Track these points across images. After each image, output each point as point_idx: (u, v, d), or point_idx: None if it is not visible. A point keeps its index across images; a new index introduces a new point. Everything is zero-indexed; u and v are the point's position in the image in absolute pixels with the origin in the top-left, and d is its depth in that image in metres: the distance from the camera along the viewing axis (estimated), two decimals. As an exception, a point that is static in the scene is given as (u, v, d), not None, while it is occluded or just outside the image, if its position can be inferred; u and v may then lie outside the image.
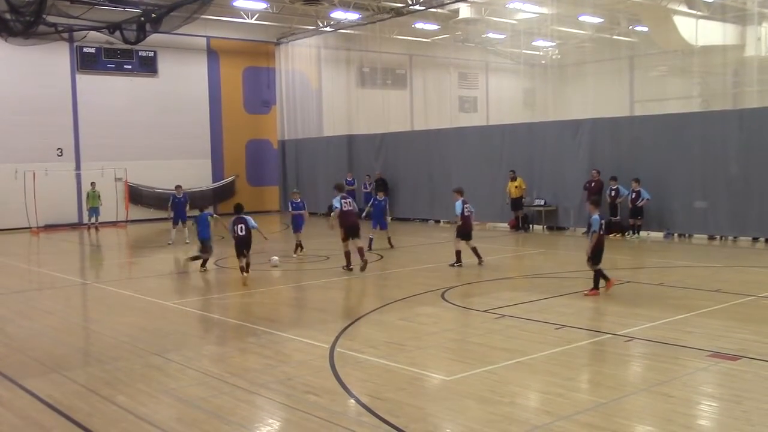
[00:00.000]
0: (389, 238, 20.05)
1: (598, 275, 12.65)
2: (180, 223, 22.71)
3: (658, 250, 19.55)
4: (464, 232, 16.29)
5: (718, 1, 30.52)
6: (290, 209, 19.41)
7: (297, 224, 19.05)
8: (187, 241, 22.51)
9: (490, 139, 25.94)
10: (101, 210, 28.47)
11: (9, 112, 28.39)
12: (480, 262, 16.19)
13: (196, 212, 17.94)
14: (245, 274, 15.06)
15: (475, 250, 16.23)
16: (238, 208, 15.60)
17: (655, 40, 33.65)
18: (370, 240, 19.21)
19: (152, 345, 9.93)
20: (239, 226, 15.12)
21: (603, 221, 12.78)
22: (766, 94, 26.48)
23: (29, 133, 28.72)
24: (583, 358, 8.99)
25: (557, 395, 7.45)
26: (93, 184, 28.54)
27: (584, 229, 22.66)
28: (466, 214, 16.31)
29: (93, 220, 28.29)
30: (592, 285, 12.66)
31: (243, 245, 15.10)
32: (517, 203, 23.94)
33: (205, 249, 16.98)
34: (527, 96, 38.44)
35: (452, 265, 16.16)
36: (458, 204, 16.29)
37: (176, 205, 22.66)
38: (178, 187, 23.37)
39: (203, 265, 16.92)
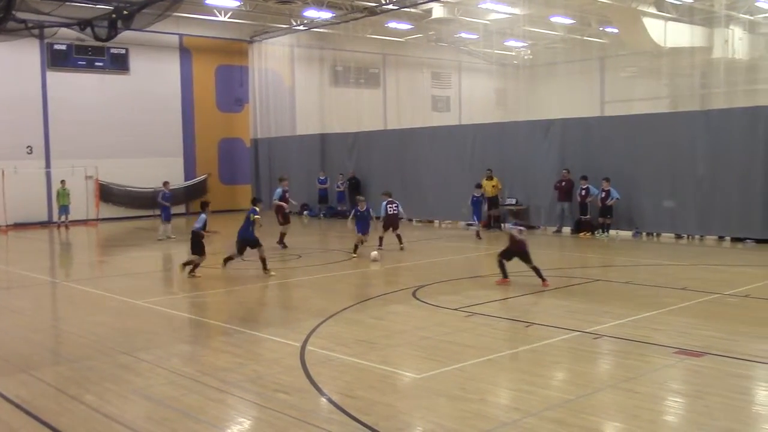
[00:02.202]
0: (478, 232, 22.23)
1: (502, 266, 13.63)
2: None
3: (627, 248, 19.80)
4: (386, 225, 19.25)
5: (686, 3, 30.96)
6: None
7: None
8: (172, 236, 22.84)
9: (463, 139, 26.05)
10: (71, 208, 28.20)
11: (-23, 109, 27.98)
12: (379, 245, 18.64)
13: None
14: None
15: (381, 240, 19.00)
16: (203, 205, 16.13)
17: (625, 42, 34.07)
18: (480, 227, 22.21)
19: (122, 344, 9.88)
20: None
21: (516, 228, 13.83)
22: (733, 96, 26.93)
23: (-2, 131, 28.33)
24: (552, 355, 9.10)
25: (526, 392, 7.54)
26: (63, 182, 28.23)
27: (554, 228, 22.95)
28: (390, 212, 19.19)
29: (63, 218, 28.01)
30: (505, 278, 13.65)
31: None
32: (492, 202, 24.07)
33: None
34: (499, 96, 38.77)
35: (379, 249, 18.21)
36: (383, 204, 19.31)
37: (165, 201, 23.49)
38: (165, 183, 24.20)
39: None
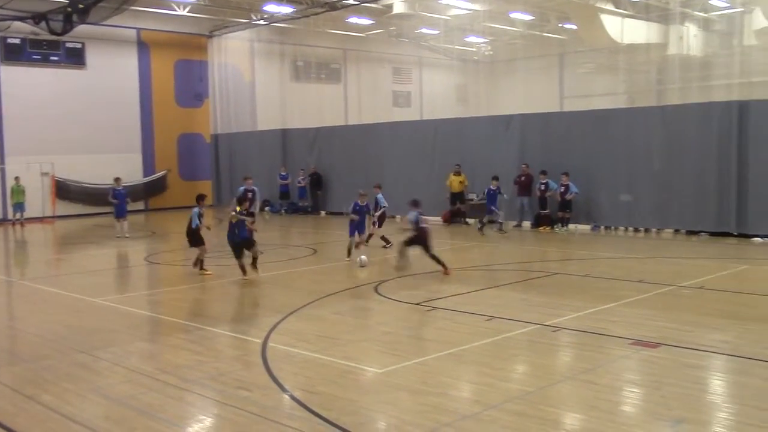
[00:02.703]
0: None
1: (436, 259, 14.15)
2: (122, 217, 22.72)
3: (586, 242, 20.05)
4: (381, 220, 18.62)
5: (643, 0, 31.42)
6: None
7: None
8: (127, 235, 22.22)
9: (424, 134, 26.15)
10: (26, 205, 27.64)
11: (-72, 104, 27.28)
12: (387, 244, 18.06)
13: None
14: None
15: (386, 240, 18.16)
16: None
17: (584, 38, 34.45)
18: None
19: (80, 343, 9.73)
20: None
21: (421, 217, 14.43)
22: (687, 91, 27.41)
23: (-50, 126, 27.67)
24: (512, 348, 9.20)
25: (487, 385, 7.62)
26: (17, 178, 27.61)
27: (515, 223, 23.14)
28: (385, 205, 18.57)
29: (18, 215, 27.43)
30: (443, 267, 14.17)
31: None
32: (458, 197, 24.09)
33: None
34: (460, 91, 38.90)
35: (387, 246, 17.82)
36: (380, 197, 18.57)
37: (117, 198, 22.85)
38: (117, 179, 23.49)
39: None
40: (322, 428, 6.49)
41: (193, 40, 34.02)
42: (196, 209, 15.16)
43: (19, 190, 27.48)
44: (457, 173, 23.87)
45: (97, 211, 30.24)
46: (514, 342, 9.40)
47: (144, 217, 31.03)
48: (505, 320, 10.39)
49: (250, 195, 20.01)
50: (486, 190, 21.62)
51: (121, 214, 22.65)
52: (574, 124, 22.26)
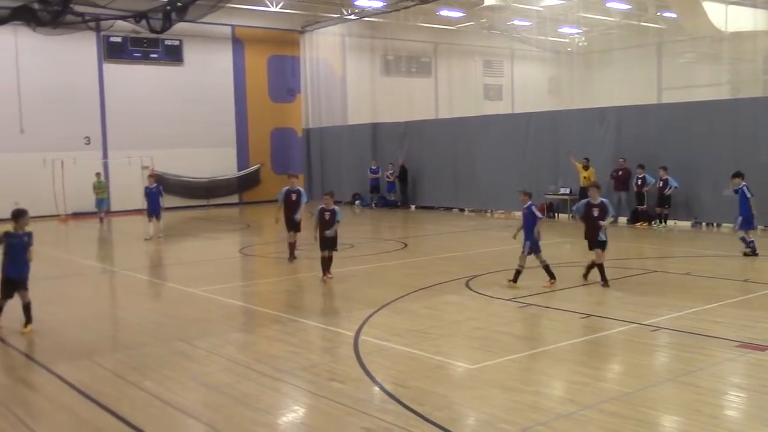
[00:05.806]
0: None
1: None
2: (154, 216, 20.99)
3: (686, 239, 19.35)
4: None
5: (749, -14, 30.01)
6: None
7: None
8: (160, 235, 21.14)
9: (515, 128, 25.76)
10: (109, 200, 28.04)
11: (38, 101, 28.68)
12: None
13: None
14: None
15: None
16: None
17: (684, 27, 33.21)
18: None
19: (178, 331, 10.04)
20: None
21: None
22: (797, 81, 26.07)
23: (57, 122, 28.99)
24: (608, 347, 8.94)
25: (582, 384, 7.41)
26: (98, 174, 27.72)
27: (611, 219, 22.44)
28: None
29: (102, 211, 27.02)
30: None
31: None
32: (582, 193, 23.14)
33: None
34: (553, 84, 38.15)
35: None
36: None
37: (148, 196, 21.15)
38: (150, 176, 22.70)
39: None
40: (415, 422, 6.45)
41: (286, 36, 34.62)
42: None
43: (100, 186, 27.39)
44: (586, 167, 22.55)
45: (195, 204, 31.25)
46: (611, 341, 9.14)
47: (238, 211, 31.83)
48: (601, 318, 10.11)
49: (293, 197, 16.05)
50: (736, 191, 15.50)
51: (151, 212, 20.95)
52: (674, 116, 21.46)
